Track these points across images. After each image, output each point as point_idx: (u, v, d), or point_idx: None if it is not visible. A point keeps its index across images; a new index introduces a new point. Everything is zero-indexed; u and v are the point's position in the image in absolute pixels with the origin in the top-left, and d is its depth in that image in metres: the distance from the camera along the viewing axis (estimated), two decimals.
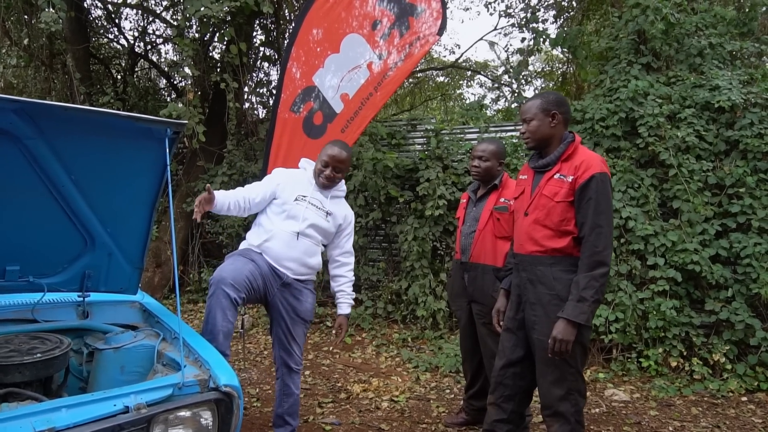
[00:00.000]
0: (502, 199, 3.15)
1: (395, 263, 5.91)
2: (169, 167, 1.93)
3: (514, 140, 5.65)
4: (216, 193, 2.66)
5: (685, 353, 4.42)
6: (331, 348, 4.98)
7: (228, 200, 2.73)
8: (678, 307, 4.42)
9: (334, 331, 3.06)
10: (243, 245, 2.92)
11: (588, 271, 2.22)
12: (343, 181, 3.07)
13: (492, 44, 15.89)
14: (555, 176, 2.38)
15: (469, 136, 6.22)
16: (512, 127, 6.13)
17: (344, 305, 3.06)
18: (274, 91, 6.22)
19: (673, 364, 4.36)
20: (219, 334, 2.43)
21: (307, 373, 4.37)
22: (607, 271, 2.24)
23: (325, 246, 3.03)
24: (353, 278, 3.13)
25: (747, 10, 6.09)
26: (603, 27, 7.15)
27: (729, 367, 4.26)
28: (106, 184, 2.07)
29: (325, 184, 2.89)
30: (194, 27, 6.37)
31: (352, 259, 3.12)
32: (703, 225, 4.57)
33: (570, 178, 2.32)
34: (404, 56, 4.65)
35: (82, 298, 2.35)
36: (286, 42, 4.75)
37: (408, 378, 4.33)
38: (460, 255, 3.26)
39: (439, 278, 5.22)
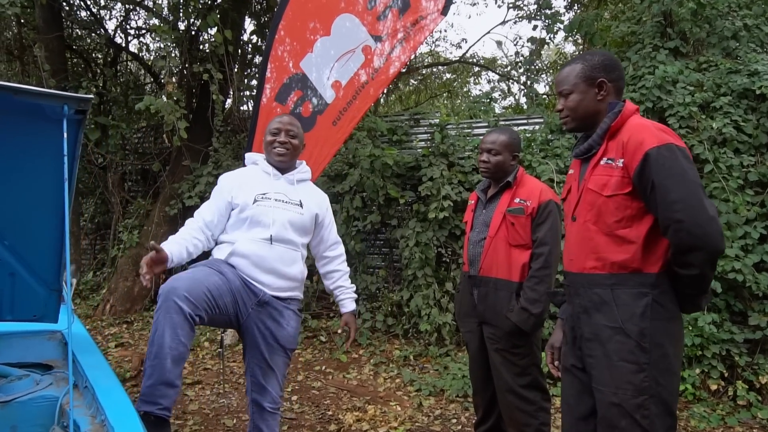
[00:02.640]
0: (516, 200, 2.61)
1: (396, 271, 5.38)
2: (67, 157, 1.41)
3: (527, 134, 5.11)
4: (167, 246, 2.12)
5: (726, 375, 3.86)
6: (323, 367, 4.45)
7: (185, 244, 2.21)
8: (717, 321, 3.86)
9: (339, 330, 2.52)
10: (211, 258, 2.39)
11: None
12: (305, 162, 2.59)
13: (499, 43, 15.37)
14: (601, 162, 1.77)
15: (477, 131, 5.68)
16: (524, 121, 5.60)
17: (347, 301, 2.58)
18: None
19: (713, 387, 3.80)
20: (167, 358, 1.87)
21: (294, 398, 3.85)
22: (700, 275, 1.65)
23: (305, 246, 2.51)
24: (348, 269, 2.66)
25: None
26: (622, 12, 6.57)
27: None
28: None
29: (281, 154, 2.41)
30: (178, 15, 5.88)
31: (341, 248, 2.65)
32: (744, 228, 4.01)
33: (620, 162, 1.71)
34: (404, 38, 4.12)
35: None
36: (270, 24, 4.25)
37: (409, 404, 3.79)
38: (468, 267, 2.72)
39: (444, 288, 4.68)
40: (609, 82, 1.80)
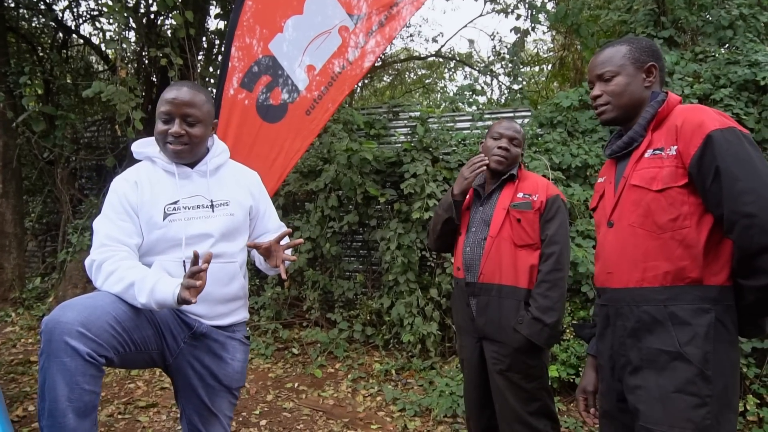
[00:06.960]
0: (520, 194, 2.26)
1: (375, 276, 4.96)
2: None
3: None
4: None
5: None
6: (296, 384, 4.00)
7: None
8: None
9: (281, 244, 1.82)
10: None
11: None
12: (216, 136, 1.97)
13: (471, 41, 15.16)
14: (646, 154, 1.52)
15: (460, 124, 5.32)
16: (511, 114, 5.24)
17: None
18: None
19: None
20: (66, 414, 1.41)
21: (263, 423, 3.39)
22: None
23: (243, 249, 1.97)
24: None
25: None
26: (608, 2, 6.31)
27: None
28: None
29: (178, 151, 1.76)
30: None
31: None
32: None
33: (673, 150, 1.45)
34: (385, 19, 3.71)
35: None
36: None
37: (393, 427, 3.38)
38: (465, 273, 2.33)
39: (429, 295, 4.28)
40: (657, 69, 1.58)
